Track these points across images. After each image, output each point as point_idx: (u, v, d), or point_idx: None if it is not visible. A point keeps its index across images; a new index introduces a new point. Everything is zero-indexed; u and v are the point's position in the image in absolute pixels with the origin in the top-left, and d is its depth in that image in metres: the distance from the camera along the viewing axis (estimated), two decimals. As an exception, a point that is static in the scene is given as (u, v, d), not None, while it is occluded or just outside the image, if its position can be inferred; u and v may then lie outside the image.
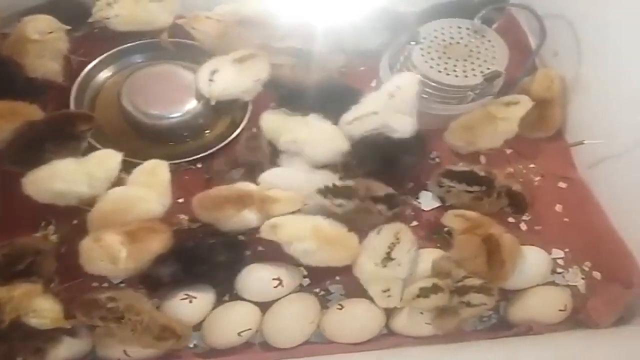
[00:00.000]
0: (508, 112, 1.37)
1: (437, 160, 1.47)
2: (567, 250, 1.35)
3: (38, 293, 1.08)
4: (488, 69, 1.39)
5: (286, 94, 1.42)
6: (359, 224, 1.25)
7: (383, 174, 1.30)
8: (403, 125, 1.31)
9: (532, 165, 1.45)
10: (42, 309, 1.06)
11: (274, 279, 1.21)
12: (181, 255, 1.18)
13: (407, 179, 1.38)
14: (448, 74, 1.39)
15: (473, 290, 1.17)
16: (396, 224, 1.24)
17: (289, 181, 1.26)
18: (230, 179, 1.28)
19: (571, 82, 1.47)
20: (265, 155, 1.33)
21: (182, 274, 1.18)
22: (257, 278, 1.22)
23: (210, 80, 1.37)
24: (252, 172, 1.29)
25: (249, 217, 1.21)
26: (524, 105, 1.37)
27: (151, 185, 1.23)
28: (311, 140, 1.31)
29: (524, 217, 1.38)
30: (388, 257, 1.20)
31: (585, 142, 1.40)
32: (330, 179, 1.27)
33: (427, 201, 1.39)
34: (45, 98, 1.39)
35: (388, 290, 1.19)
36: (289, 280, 1.23)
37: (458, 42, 1.45)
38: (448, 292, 1.16)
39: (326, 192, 1.22)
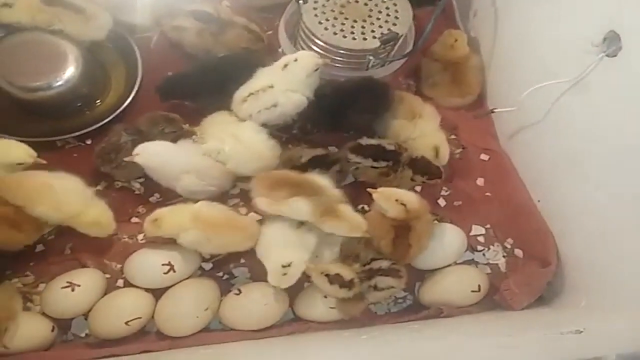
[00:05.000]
0: None
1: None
2: (488, 226, 1.37)
3: None
4: (389, 30, 1.35)
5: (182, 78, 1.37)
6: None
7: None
8: (288, 103, 1.30)
9: (453, 137, 1.43)
10: None
11: (163, 264, 1.20)
12: None
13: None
14: (345, 37, 1.35)
15: (380, 274, 1.18)
16: None
17: (166, 158, 1.25)
18: (117, 141, 1.27)
19: (489, 45, 1.46)
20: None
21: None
22: (145, 263, 1.22)
23: None
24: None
25: (298, 204, 1.18)
26: None
27: None
28: (236, 155, 1.28)
29: (443, 192, 1.38)
30: (300, 222, 1.20)
31: (495, 110, 1.38)
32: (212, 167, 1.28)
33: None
34: None
35: (289, 265, 1.17)
36: (183, 265, 1.22)
37: (357, 1, 1.40)
38: (355, 286, 1.17)
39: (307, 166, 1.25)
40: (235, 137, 1.27)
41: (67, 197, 1.19)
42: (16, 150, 1.21)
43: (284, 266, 1.17)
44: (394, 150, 1.28)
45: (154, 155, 1.24)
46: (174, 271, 1.21)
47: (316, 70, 1.28)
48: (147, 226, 1.19)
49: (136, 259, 1.23)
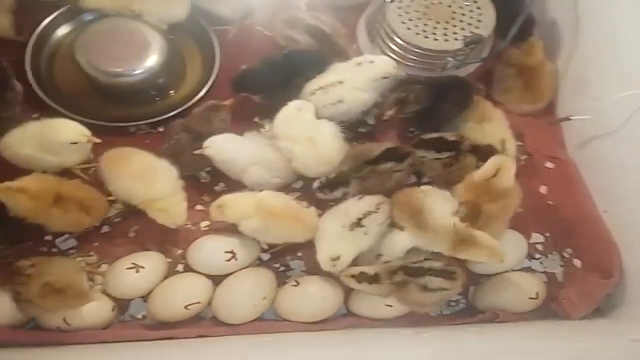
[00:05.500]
0: None
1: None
2: (547, 234, 1.36)
3: None
4: (471, 32, 1.37)
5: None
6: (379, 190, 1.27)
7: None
8: (354, 100, 1.33)
9: (519, 143, 1.42)
10: None
11: (226, 252, 1.23)
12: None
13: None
14: (426, 37, 1.38)
15: (430, 273, 1.18)
16: (380, 196, 1.25)
17: (235, 150, 1.28)
18: (178, 140, 1.30)
19: (566, 54, 1.46)
20: (221, 128, 1.33)
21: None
22: (209, 249, 1.25)
23: None
24: (200, 140, 1.29)
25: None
26: None
27: None
28: (306, 157, 1.30)
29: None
30: (358, 223, 1.21)
31: (572, 117, 1.39)
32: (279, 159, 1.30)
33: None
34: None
35: (337, 258, 1.20)
36: (244, 254, 1.25)
37: (441, 2, 1.42)
38: (388, 285, 1.18)
39: (322, 187, 1.26)
40: (311, 140, 1.28)
41: (159, 181, 1.23)
42: (68, 129, 1.25)
43: (332, 259, 1.20)
44: (455, 141, 1.29)
45: (223, 147, 1.28)
46: (236, 259, 1.24)
47: (385, 77, 1.32)
48: (212, 211, 1.22)
49: (200, 244, 1.26)
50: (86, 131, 1.25)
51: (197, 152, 1.26)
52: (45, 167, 1.26)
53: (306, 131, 1.29)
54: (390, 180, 1.26)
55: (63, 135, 1.24)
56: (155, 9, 1.44)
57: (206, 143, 1.26)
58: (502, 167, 1.20)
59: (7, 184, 1.15)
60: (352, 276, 1.19)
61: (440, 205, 1.21)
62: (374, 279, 1.18)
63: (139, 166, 1.22)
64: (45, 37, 1.50)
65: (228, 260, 1.23)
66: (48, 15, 1.50)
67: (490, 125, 1.35)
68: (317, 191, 1.28)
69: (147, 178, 1.22)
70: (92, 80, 1.41)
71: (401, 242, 1.22)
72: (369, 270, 1.19)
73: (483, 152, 1.28)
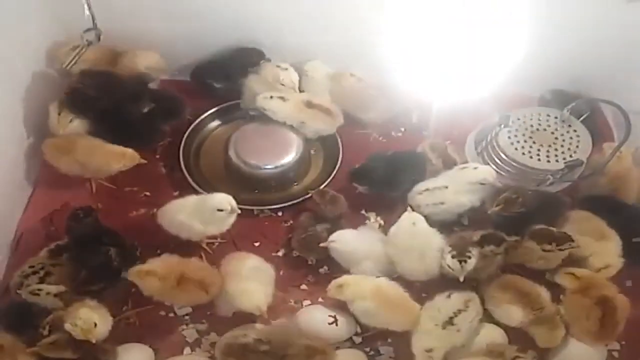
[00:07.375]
0: None
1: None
2: (623, 343, 1.42)
3: (87, 304, 1.27)
4: (570, 156, 1.60)
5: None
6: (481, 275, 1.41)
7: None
8: (454, 203, 1.53)
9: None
10: (80, 317, 1.22)
11: (330, 316, 1.36)
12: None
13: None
14: (531, 157, 1.62)
15: None
16: (468, 292, 1.36)
17: (355, 243, 1.44)
18: (315, 231, 1.48)
19: None
20: (343, 206, 1.53)
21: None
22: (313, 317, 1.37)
23: None
24: (335, 227, 1.48)
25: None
26: None
27: None
28: (408, 262, 1.43)
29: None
30: (449, 322, 1.31)
31: None
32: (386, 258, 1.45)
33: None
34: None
35: (431, 350, 1.28)
36: (344, 325, 1.36)
37: (545, 129, 1.68)
38: None
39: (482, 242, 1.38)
40: (421, 255, 1.41)
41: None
42: (225, 198, 1.40)
43: (427, 351, 1.28)
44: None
45: (347, 242, 1.43)
46: (336, 325, 1.35)
47: (482, 184, 1.51)
48: (331, 288, 1.34)
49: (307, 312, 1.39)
50: (234, 204, 1.39)
51: (322, 244, 1.42)
52: (192, 234, 1.43)
53: (418, 246, 1.42)
54: (493, 264, 1.38)
55: (216, 201, 1.39)
56: (317, 125, 1.71)
57: (332, 237, 1.42)
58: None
59: (138, 267, 1.31)
60: None
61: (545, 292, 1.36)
62: None
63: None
64: (202, 126, 1.81)
65: (330, 324, 1.35)
66: (209, 108, 1.83)
67: (607, 244, 1.45)
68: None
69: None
70: (235, 169, 1.67)
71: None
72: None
73: (540, 235, 1.39)
